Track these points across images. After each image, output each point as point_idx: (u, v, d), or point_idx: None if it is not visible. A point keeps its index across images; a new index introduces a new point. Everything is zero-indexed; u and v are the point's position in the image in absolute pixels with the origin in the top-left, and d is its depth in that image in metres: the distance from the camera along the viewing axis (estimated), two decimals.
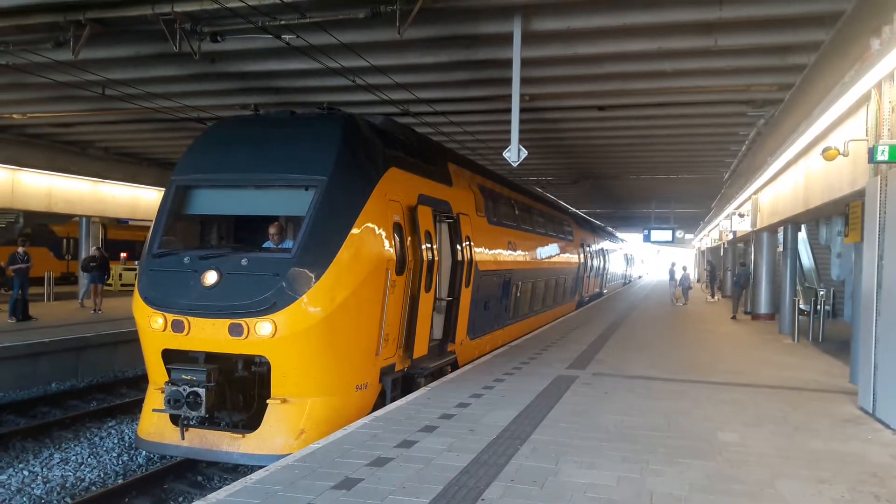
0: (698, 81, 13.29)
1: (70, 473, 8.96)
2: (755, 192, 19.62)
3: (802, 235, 23.57)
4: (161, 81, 14.11)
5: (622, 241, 51.17)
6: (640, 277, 71.02)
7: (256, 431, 7.88)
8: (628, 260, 55.12)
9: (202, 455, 8.13)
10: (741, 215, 22.75)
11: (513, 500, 5.27)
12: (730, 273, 32.62)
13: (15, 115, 17.70)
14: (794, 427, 7.86)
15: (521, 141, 11.34)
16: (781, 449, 6.90)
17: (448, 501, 5.20)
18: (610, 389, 9.71)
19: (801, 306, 17.75)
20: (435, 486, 5.53)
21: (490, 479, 5.71)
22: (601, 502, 5.24)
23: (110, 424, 11.26)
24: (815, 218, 16.21)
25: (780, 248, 19.60)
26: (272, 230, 8.95)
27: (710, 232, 39.99)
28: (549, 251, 19.76)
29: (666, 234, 39.47)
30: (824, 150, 9.39)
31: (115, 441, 10.36)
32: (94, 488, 8.50)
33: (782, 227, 18.69)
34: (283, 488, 5.44)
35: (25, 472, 8.90)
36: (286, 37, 10.51)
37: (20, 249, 17.34)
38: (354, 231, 8.29)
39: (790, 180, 15.12)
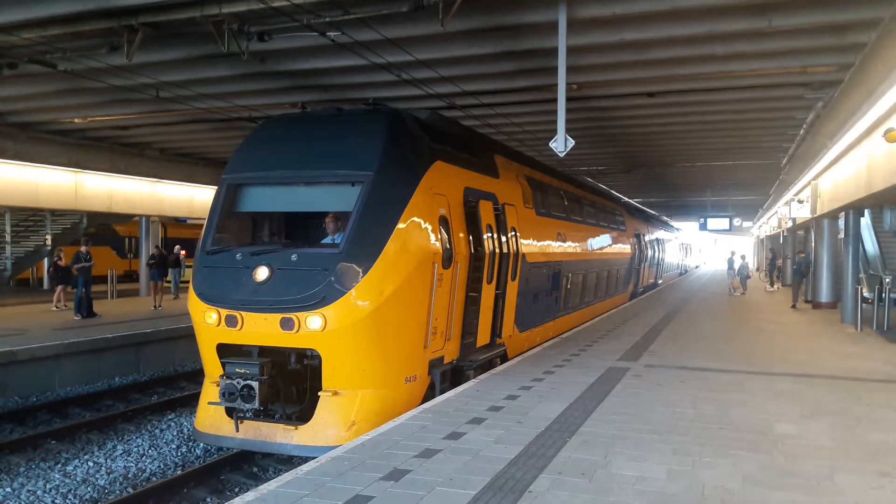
0: (752, 64, 12.91)
1: (132, 464, 9.27)
2: (815, 178, 18.98)
3: (866, 221, 22.72)
4: (212, 82, 14.43)
5: (677, 230, 50.15)
6: (696, 267, 69.52)
7: (309, 423, 8.02)
8: (684, 249, 54.00)
9: (256, 447, 8.32)
10: (800, 201, 22.04)
11: (560, 492, 5.23)
12: (789, 261, 31.66)
13: (76, 120, 18.37)
14: (856, 419, 7.59)
15: (569, 130, 11.21)
16: (841, 441, 6.68)
17: (495, 493, 5.19)
18: (662, 381, 9.55)
19: (865, 294, 17.13)
20: (482, 477, 5.54)
21: (538, 472, 5.68)
22: (651, 495, 5.16)
23: (170, 417, 11.61)
24: (879, 203, 15.63)
25: (842, 235, 18.93)
26: (328, 219, 9.02)
27: (768, 219, 38.91)
28: (600, 242, 19.48)
29: (723, 223, 38.57)
30: (887, 132, 9.04)
31: (175, 433, 10.68)
32: (154, 479, 8.78)
33: (843, 213, 18.04)
34: (333, 479, 5.52)
35: (90, 463, 9.25)
36: (331, 34, 10.61)
37: (83, 249, 18.02)
38: (401, 225, 8.34)
39: (851, 164, 14.57)
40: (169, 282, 23.74)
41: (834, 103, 14.18)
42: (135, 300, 23.51)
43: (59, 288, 19.41)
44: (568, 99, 11.29)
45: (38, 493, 8.20)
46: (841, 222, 18.97)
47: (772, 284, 33.05)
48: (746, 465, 5.86)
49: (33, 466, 9.16)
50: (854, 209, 17.14)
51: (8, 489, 8.29)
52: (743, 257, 31.58)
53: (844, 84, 12.87)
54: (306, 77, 14.21)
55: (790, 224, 26.84)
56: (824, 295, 21.37)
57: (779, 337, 14.89)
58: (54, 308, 19.12)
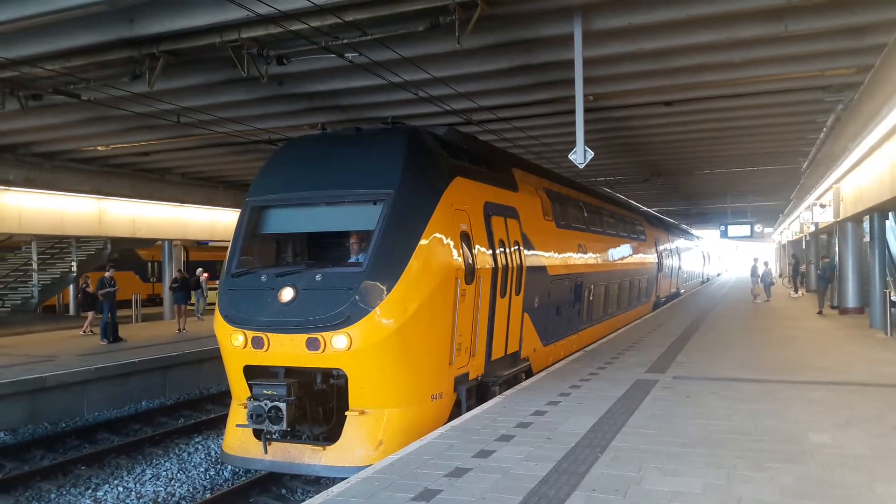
0: (770, 70, 12.82)
1: (161, 489, 9.31)
2: (836, 181, 18.76)
3: (890, 223, 22.38)
4: (232, 106, 14.59)
5: (698, 238, 49.77)
6: (718, 275, 68.89)
7: (336, 443, 8.01)
8: (705, 257, 53.56)
9: (285, 468, 8.31)
10: (822, 206, 21.78)
11: None
12: (813, 266, 31.24)
13: (99, 147, 18.63)
14: (892, 426, 7.44)
15: (587, 141, 11.18)
16: (878, 450, 6.55)
17: None
18: (692, 393, 9.43)
19: (893, 298, 16.84)
20: (514, 496, 5.48)
21: (571, 489, 5.62)
22: None
23: (197, 440, 11.65)
24: None
25: (867, 238, 18.66)
26: (353, 239, 9.08)
27: (790, 224, 38.50)
28: (621, 252, 19.40)
29: (744, 229, 38.19)
30: None
31: (202, 456, 10.71)
32: (184, 503, 8.80)
33: (868, 216, 17.80)
34: (364, 500, 5.50)
35: (120, 488, 9.30)
36: (349, 55, 10.70)
37: (107, 274, 18.24)
38: (423, 242, 8.35)
39: (874, 166, 14.38)
40: (192, 305, 23.95)
41: (854, 105, 14.02)
42: (159, 324, 23.71)
43: (89, 314, 19.67)
44: (585, 110, 11.27)
45: None
46: (866, 225, 18.70)
47: (796, 290, 32.63)
48: (783, 478, 5.76)
49: (64, 493, 9.24)
50: (879, 212, 16.91)
51: None
52: (766, 264, 31.20)
53: (865, 86, 12.73)
54: (325, 98, 14.32)
55: (812, 229, 26.51)
56: (851, 300, 21.03)
57: (807, 344, 14.67)
58: (82, 333, 19.36)
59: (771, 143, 20.93)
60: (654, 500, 5.32)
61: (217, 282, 9.64)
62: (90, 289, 19.50)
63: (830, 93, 14.19)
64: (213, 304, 9.17)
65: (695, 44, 11.33)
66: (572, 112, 11.40)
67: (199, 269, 26.32)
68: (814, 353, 13.20)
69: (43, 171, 19.59)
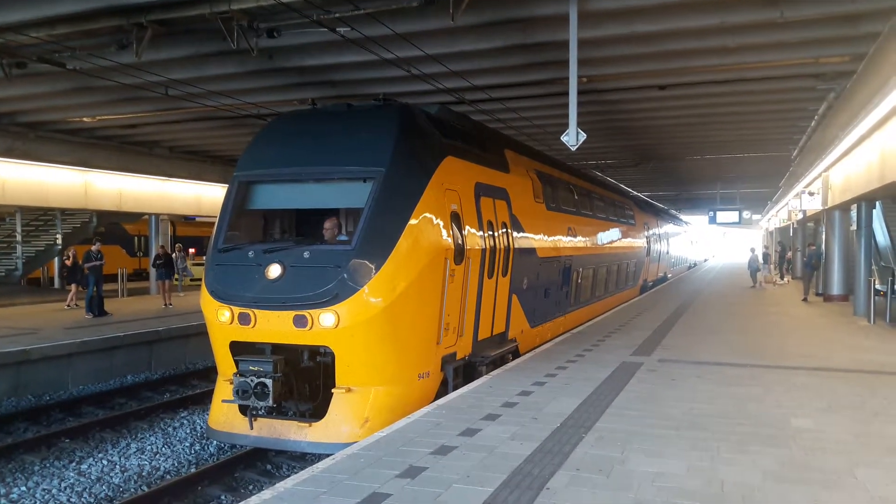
0: (764, 56, 12.80)
1: (146, 462, 9.29)
2: (826, 169, 18.83)
3: (877, 212, 22.53)
4: (221, 79, 14.40)
5: (686, 223, 49.95)
6: (705, 260, 69.28)
7: (322, 420, 8.01)
8: (693, 243, 53.83)
9: (270, 444, 8.31)
10: (811, 193, 21.87)
11: (579, 489, 5.20)
12: (800, 254, 31.43)
13: (85, 119, 18.39)
14: (873, 412, 7.52)
15: (579, 124, 11.14)
16: (860, 435, 6.62)
17: (513, 490, 5.16)
18: (677, 376, 9.50)
19: (877, 287, 17.00)
20: (499, 474, 5.50)
21: (555, 468, 5.64)
22: (671, 491, 5.12)
23: (182, 415, 11.62)
24: (892, 194, 15.48)
25: (854, 227, 18.78)
26: (327, 226, 9.01)
27: (777, 212, 38.68)
28: (610, 236, 19.43)
29: (732, 216, 38.35)
30: None
31: (188, 431, 10.69)
32: (168, 477, 8.79)
33: (856, 205, 17.90)
34: (349, 477, 5.50)
35: (104, 462, 9.27)
36: (341, 29, 10.57)
37: (94, 248, 18.07)
38: (413, 221, 8.30)
39: (864, 155, 14.43)
40: (177, 280, 23.83)
41: (847, 94, 14.04)
42: (145, 298, 23.58)
43: (73, 287, 19.52)
44: (578, 92, 11.21)
45: (54, 491, 8.22)
46: (853, 214, 18.81)
47: (782, 277, 32.86)
48: (766, 461, 5.81)
49: (48, 465, 9.19)
50: (866, 201, 17.01)
51: (23, 488, 8.32)
52: (752, 250, 31.36)
53: (857, 74, 12.74)
54: (315, 73, 14.17)
55: (800, 216, 26.66)
56: (836, 287, 21.21)
57: (792, 330, 14.80)
58: (67, 306, 19.22)
59: (762, 130, 20.98)
60: (637, 480, 5.36)
61: (203, 257, 9.57)
62: (69, 262, 19.35)
63: (823, 81, 14.20)
64: (199, 279, 9.11)
65: (690, 28, 11.28)
66: (565, 94, 11.33)
67: (178, 246, 26.34)
68: (798, 340, 13.32)
69: (27, 141, 19.32)
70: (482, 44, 12.07)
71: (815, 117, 17.60)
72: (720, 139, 22.76)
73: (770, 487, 5.20)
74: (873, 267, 19.76)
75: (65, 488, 8.33)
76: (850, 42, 11.98)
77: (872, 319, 15.79)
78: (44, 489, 8.28)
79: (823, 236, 22.95)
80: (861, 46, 11.91)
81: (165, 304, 20.26)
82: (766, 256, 30.92)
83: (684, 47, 12.26)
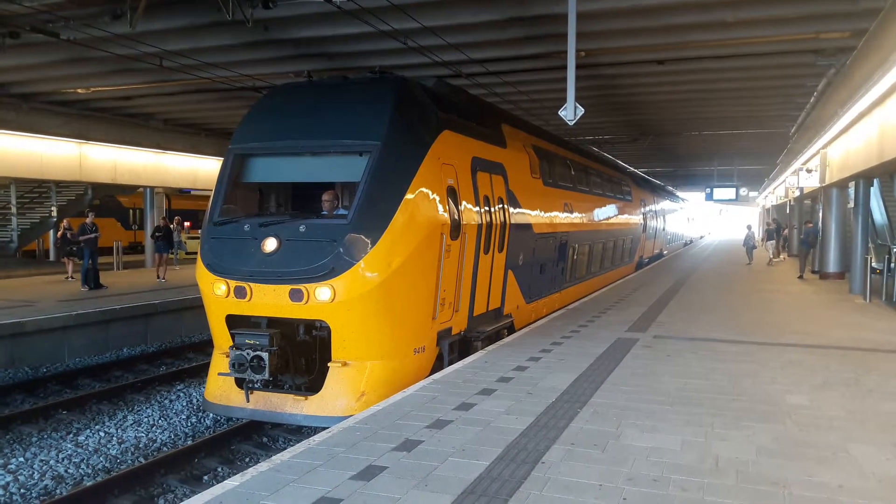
0: (763, 31, 12.69)
1: (143, 434, 9.33)
2: (824, 146, 18.77)
3: (875, 190, 22.52)
4: (216, 51, 14.25)
5: (683, 200, 49.93)
6: (701, 237, 69.40)
7: (318, 394, 8.03)
8: (690, 220, 53.86)
9: (267, 417, 8.33)
10: (809, 171, 21.83)
11: (574, 463, 5.23)
12: (796, 231, 31.45)
13: (79, 90, 18.21)
14: (868, 389, 7.57)
15: (577, 99, 11.05)
16: (854, 412, 6.65)
17: (508, 464, 5.19)
18: (672, 352, 9.53)
19: (874, 265, 17.03)
20: (494, 448, 5.53)
21: (550, 443, 5.67)
22: (665, 466, 5.15)
23: (179, 388, 11.66)
24: (890, 171, 15.44)
25: (851, 204, 18.77)
26: (325, 198, 8.98)
27: (774, 189, 38.65)
28: (606, 212, 19.40)
29: (729, 192, 38.28)
30: None
31: (184, 404, 10.73)
32: (165, 449, 8.84)
33: (853, 182, 17.87)
34: (345, 449, 5.53)
35: (101, 434, 9.31)
36: (337, 0, 10.43)
37: (88, 220, 17.98)
38: (409, 196, 8.26)
39: (863, 132, 14.38)
40: (174, 254, 23.76)
41: (846, 70, 13.95)
42: (141, 272, 23.54)
43: (68, 260, 19.51)
44: (576, 66, 11.10)
45: (52, 462, 8.26)
46: (850, 192, 18.78)
47: (777, 254, 32.92)
48: (760, 436, 5.84)
49: (45, 437, 9.23)
50: (864, 178, 16.98)
51: (21, 459, 8.35)
52: (749, 227, 31.35)
53: (858, 50, 12.64)
54: (311, 45, 14.02)
55: (797, 193, 26.64)
56: (832, 265, 21.25)
57: (787, 307, 14.85)
58: (68, 279, 19.24)
59: (761, 106, 20.89)
60: (632, 455, 5.39)
61: (199, 231, 9.52)
62: (59, 233, 19.36)
63: (823, 56, 14.11)
64: (195, 252, 9.06)
65: (689, 2, 11.20)
66: (563, 68, 11.23)
67: (177, 219, 26.32)
68: (794, 317, 13.37)
69: (20, 113, 19.15)
70: (480, 16, 11.94)
71: (815, 93, 17.51)
72: (718, 115, 22.67)
73: (764, 463, 5.23)
74: (870, 245, 19.80)
75: (62, 459, 8.37)
76: (851, 17, 11.88)
77: (868, 297, 15.85)
78: (41, 460, 8.32)
79: (820, 214, 22.95)
80: (862, 22, 11.81)
81: (159, 278, 20.05)
82: (770, 233, 30.78)
83: (683, 21, 12.15)
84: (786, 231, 34.86)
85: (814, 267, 23.22)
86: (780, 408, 6.76)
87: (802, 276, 22.11)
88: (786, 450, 5.53)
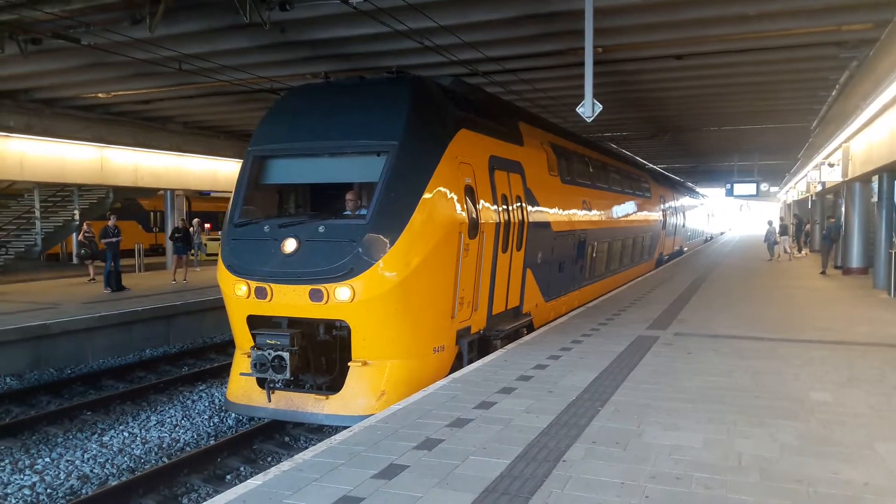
0: (784, 24, 12.51)
1: (166, 434, 9.43)
2: (847, 140, 18.53)
3: None
4: (233, 54, 14.32)
5: (703, 196, 49.50)
6: (722, 234, 68.78)
7: (339, 393, 8.07)
8: (710, 216, 53.39)
9: (288, 416, 8.39)
10: (831, 165, 21.57)
11: (595, 461, 5.21)
12: (818, 226, 31.07)
13: (100, 95, 18.40)
14: (893, 386, 7.46)
15: (594, 95, 10.98)
16: (879, 409, 6.57)
17: (529, 462, 5.18)
18: (693, 349, 9.46)
19: None
20: (515, 447, 5.53)
21: (571, 441, 5.66)
22: (687, 464, 5.12)
23: (201, 388, 11.76)
24: None
25: (875, 198, 18.51)
26: (349, 197, 9.03)
27: (796, 184, 38.20)
28: (625, 209, 19.29)
29: (749, 188, 37.84)
30: None
31: (206, 404, 10.82)
32: (188, 448, 8.92)
33: (877, 176, 17.62)
34: (367, 448, 5.55)
35: (125, 434, 9.42)
36: (353, 1, 10.45)
37: (110, 223, 18.19)
38: (427, 195, 8.27)
39: (886, 125, 14.18)
40: (193, 255, 23.96)
41: (869, 63, 13.75)
42: (162, 273, 23.77)
43: (90, 262, 19.77)
44: (594, 63, 11.02)
45: (77, 462, 8.37)
46: (874, 185, 18.52)
47: (799, 250, 32.54)
48: (783, 434, 5.78)
49: (70, 437, 9.36)
50: (888, 172, 16.74)
51: (47, 459, 8.48)
52: (770, 223, 31.03)
53: (881, 42, 12.46)
54: (328, 46, 14.05)
55: (819, 188, 26.32)
56: (855, 260, 20.99)
57: (810, 303, 14.68)
58: (93, 280, 19.51)
59: (781, 100, 20.60)
60: (654, 453, 5.36)
61: (219, 232, 9.60)
62: (80, 237, 19.61)
63: (846, 49, 13.87)
64: (215, 254, 9.14)
65: None
66: (580, 64, 11.14)
67: (197, 220, 26.53)
68: (817, 313, 13.21)
69: (43, 118, 19.37)
70: (495, 14, 11.89)
71: (837, 87, 17.27)
72: (738, 110, 22.40)
73: (787, 460, 5.18)
74: (894, 239, 19.52)
75: (88, 459, 8.48)
76: (874, 9, 11.68)
77: (893, 293, 15.62)
78: (67, 460, 8.43)
79: (843, 208, 22.66)
80: (885, 13, 11.61)
81: (175, 279, 20.21)
82: (783, 228, 30.49)
83: (702, 16, 12.02)
84: (807, 226, 34.46)
85: (836, 262, 22.93)
86: (803, 405, 6.68)
87: (825, 271, 21.84)
88: (810, 447, 5.47)
